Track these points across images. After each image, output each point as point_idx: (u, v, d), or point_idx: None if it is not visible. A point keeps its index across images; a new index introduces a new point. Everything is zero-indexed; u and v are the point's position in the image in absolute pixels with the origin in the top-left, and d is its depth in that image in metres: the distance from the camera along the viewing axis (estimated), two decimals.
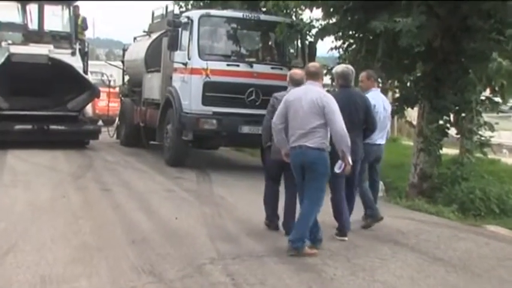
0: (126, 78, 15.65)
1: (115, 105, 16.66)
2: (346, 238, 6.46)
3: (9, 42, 13.44)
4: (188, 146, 11.41)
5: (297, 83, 6.37)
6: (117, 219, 7.00)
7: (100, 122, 16.69)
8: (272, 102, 6.60)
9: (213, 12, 11.37)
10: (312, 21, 10.58)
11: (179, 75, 11.16)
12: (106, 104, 16.48)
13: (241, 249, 5.92)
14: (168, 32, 11.30)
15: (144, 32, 14.68)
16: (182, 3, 14.59)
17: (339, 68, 6.89)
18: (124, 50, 16.04)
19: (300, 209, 5.96)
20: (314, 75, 5.97)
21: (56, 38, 14.01)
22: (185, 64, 10.84)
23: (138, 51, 13.98)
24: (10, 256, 5.26)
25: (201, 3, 14.43)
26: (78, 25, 14.96)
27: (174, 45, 11.01)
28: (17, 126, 12.35)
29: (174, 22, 11.06)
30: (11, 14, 14.33)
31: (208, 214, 7.44)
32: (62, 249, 5.56)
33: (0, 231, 6.05)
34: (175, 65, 11.24)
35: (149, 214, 7.30)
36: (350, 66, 6.99)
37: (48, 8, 14.07)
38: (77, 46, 13.92)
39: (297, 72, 6.69)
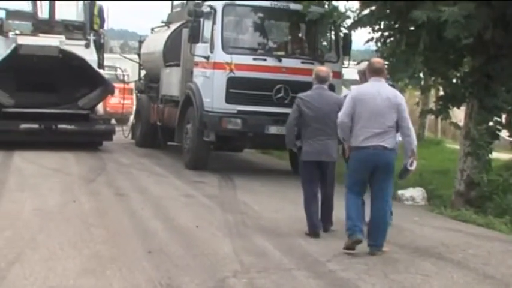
0: (143, 72, 15.76)
1: (129, 103, 16.81)
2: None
3: (17, 32, 13.37)
4: (210, 148, 11.46)
5: (322, 80, 6.96)
6: (132, 227, 7.04)
7: (113, 121, 16.72)
8: (297, 102, 6.98)
9: (238, 1, 11.37)
10: (346, 10, 10.51)
11: (201, 70, 11.20)
12: (119, 101, 16.59)
13: (267, 262, 5.90)
14: (189, 23, 11.37)
15: (163, 22, 14.79)
16: None
17: (361, 66, 7.22)
18: (140, 42, 16.19)
19: (374, 210, 6.30)
20: (379, 71, 6.33)
21: (69, 28, 13.94)
22: (207, 58, 10.88)
23: (155, 44, 14.08)
24: (16, 266, 5.32)
25: None
26: (94, 15, 14.90)
27: (195, 37, 11.05)
28: (23, 125, 12.34)
29: (196, 12, 11.10)
30: (20, 1, 14.40)
31: (232, 222, 7.44)
32: (72, 260, 5.61)
33: (6, 239, 6.13)
34: (197, 59, 11.28)
35: (167, 222, 7.33)
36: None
37: None
38: (91, 37, 13.82)
39: (323, 69, 7.24)
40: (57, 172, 10.38)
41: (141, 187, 9.54)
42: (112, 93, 14.04)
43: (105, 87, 13.37)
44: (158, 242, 6.42)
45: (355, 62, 10.11)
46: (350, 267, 5.83)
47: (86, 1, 14.18)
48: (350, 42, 11.42)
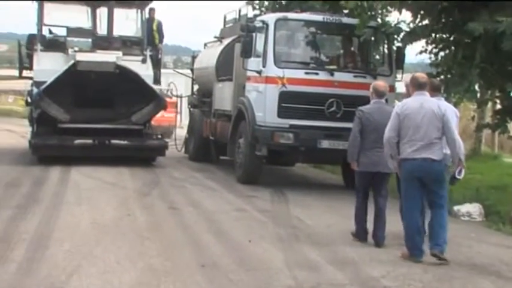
0: (195, 87, 15.96)
1: (171, 116, 16.90)
2: None
3: (76, 49, 13.70)
4: (262, 162, 11.49)
5: (381, 95, 7.36)
6: (185, 240, 7.14)
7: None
8: (358, 115, 7.26)
9: (290, 15, 11.44)
10: (399, 23, 10.41)
11: (253, 84, 11.29)
12: (162, 114, 16.60)
13: (321, 277, 5.89)
14: (241, 38, 11.45)
15: (215, 37, 14.94)
16: (257, 6, 14.75)
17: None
18: (193, 57, 16.42)
19: (434, 219, 6.56)
20: (423, 86, 6.63)
21: (127, 44, 14.13)
22: (259, 72, 10.95)
23: (208, 59, 14.25)
24: (74, 278, 5.47)
25: (277, 5, 14.55)
26: (154, 30, 15.15)
27: (247, 51, 11.14)
28: (77, 141, 12.51)
29: (248, 27, 11.20)
30: (80, 18, 14.65)
31: (284, 237, 7.45)
32: (128, 273, 5.73)
33: (65, 251, 6.30)
34: (249, 73, 11.38)
35: (220, 236, 7.39)
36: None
37: (121, 12, 14.18)
38: (148, 53, 13.95)
39: (381, 84, 7.58)
40: (113, 186, 10.60)
41: (194, 201, 9.65)
42: (164, 108, 14.01)
43: (157, 103, 13.42)
44: (211, 255, 6.49)
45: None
46: (405, 284, 5.76)
47: (143, 18, 14.41)
48: (403, 55, 11.32)
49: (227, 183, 11.56)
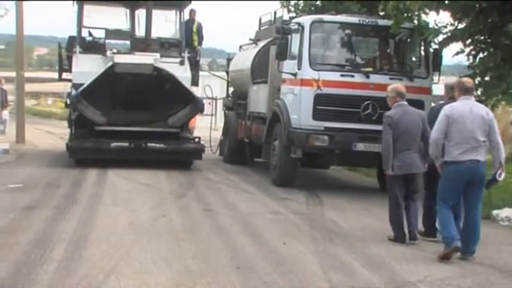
0: (230, 90, 16.04)
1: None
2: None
3: (114, 51, 13.73)
4: (297, 165, 11.48)
5: (403, 96, 7.56)
6: (220, 242, 7.18)
7: None
8: (388, 121, 7.40)
9: (326, 17, 11.42)
10: (439, 27, 10.26)
11: (288, 86, 11.30)
12: None
13: (356, 280, 5.87)
14: (277, 40, 11.47)
15: (251, 40, 14.99)
16: (292, 8, 14.74)
17: (449, 81, 7.92)
18: (228, 60, 16.48)
19: (468, 218, 6.77)
20: (470, 90, 6.91)
21: (165, 46, 14.11)
22: (295, 75, 10.95)
23: (243, 61, 14.30)
24: (112, 279, 5.55)
25: (312, 8, 14.52)
26: (193, 32, 15.10)
27: (282, 54, 11.14)
28: (113, 144, 12.59)
29: (283, 29, 11.21)
30: (119, 20, 14.71)
31: (319, 240, 7.44)
32: (164, 274, 5.78)
33: (103, 252, 6.40)
34: (284, 76, 11.39)
35: (254, 238, 7.42)
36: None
37: (160, 14, 14.16)
38: (186, 54, 13.89)
39: (401, 86, 7.88)
40: (149, 187, 10.72)
41: (229, 203, 9.69)
42: (202, 111, 13.89)
43: (195, 105, 13.33)
44: (246, 258, 6.51)
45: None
46: None
47: (182, 19, 14.37)
48: (440, 57, 11.19)
49: (262, 186, 11.58)
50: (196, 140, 13.48)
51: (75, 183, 10.73)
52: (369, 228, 8.15)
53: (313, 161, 11.93)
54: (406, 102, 7.60)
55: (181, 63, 13.65)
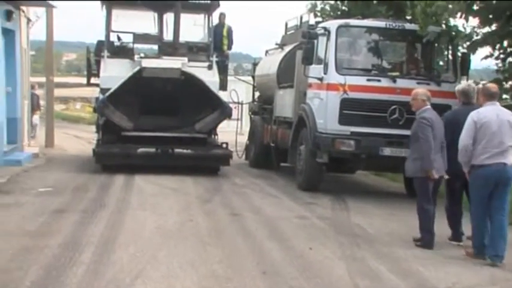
0: (256, 94, 16.06)
1: None
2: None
3: (142, 55, 13.58)
4: (322, 169, 11.45)
5: (493, 96, 7.19)
6: (246, 247, 7.19)
7: None
8: (428, 123, 7.41)
9: (352, 22, 11.37)
10: (470, 32, 10.14)
11: (314, 91, 11.28)
12: None
13: (382, 287, 5.85)
14: (303, 45, 11.46)
15: (277, 44, 15.00)
16: (318, 13, 14.70)
17: (460, 86, 8.06)
18: (254, 65, 16.52)
19: (496, 221, 6.81)
20: (495, 96, 7.04)
21: (193, 50, 13.91)
22: (321, 79, 10.93)
23: (269, 66, 14.32)
24: (139, 282, 5.60)
25: (339, 12, 14.48)
26: (224, 36, 14.82)
27: (308, 58, 11.13)
28: (140, 149, 12.45)
29: (310, 33, 11.20)
30: (147, 24, 14.47)
31: (346, 245, 7.41)
32: (190, 278, 5.82)
33: (130, 255, 6.46)
34: (310, 80, 11.37)
35: (281, 242, 7.41)
36: (472, 84, 8.10)
37: (189, 18, 14.00)
38: (214, 59, 13.68)
39: (426, 91, 7.87)
40: (176, 192, 10.78)
41: (255, 207, 9.70)
42: (229, 116, 13.64)
43: (222, 110, 13.07)
44: (272, 262, 6.52)
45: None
46: None
47: (211, 24, 14.17)
48: (469, 61, 11.07)
49: (288, 190, 11.57)
50: (224, 145, 13.32)
51: (103, 188, 10.84)
52: (396, 234, 8.10)
53: (339, 166, 11.86)
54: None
55: (210, 67, 13.49)
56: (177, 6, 12.94)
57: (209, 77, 13.16)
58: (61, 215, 8.42)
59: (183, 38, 13.51)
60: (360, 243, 7.57)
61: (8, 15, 13.73)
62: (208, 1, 14.01)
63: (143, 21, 14.62)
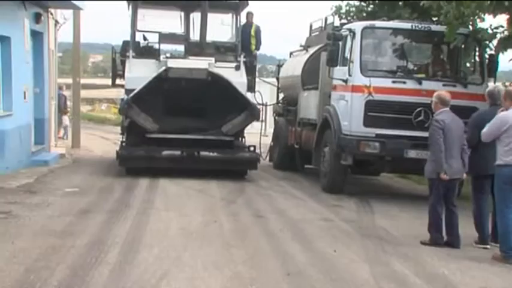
0: (280, 96, 16.04)
1: None
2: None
3: (168, 55, 13.29)
4: (347, 171, 11.39)
5: (447, 104, 7.62)
6: (270, 249, 7.17)
7: None
8: (440, 125, 7.51)
9: (377, 23, 11.30)
10: (496, 30, 10.01)
11: (338, 93, 11.23)
12: None
13: None
14: (327, 46, 11.43)
15: (301, 46, 14.97)
16: (343, 15, 14.64)
17: (487, 88, 8.21)
18: (279, 66, 16.50)
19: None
20: None
21: (220, 50, 13.58)
22: (345, 81, 10.88)
23: (294, 67, 14.29)
24: (163, 283, 5.61)
25: (364, 14, 14.41)
26: (251, 35, 14.42)
27: (333, 60, 11.09)
28: (165, 152, 12.11)
29: (334, 35, 11.15)
30: (173, 24, 14.14)
31: (371, 248, 7.36)
32: (214, 279, 5.81)
33: (155, 256, 6.48)
34: (335, 82, 11.33)
35: (305, 245, 7.39)
36: (500, 86, 8.08)
37: (216, 17, 13.63)
38: (242, 59, 13.31)
39: (446, 93, 7.87)
40: (200, 193, 10.79)
41: (279, 209, 9.68)
42: (257, 118, 13.28)
43: (250, 112, 12.66)
44: (297, 264, 6.49)
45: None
46: None
47: (238, 23, 13.83)
48: (496, 63, 10.93)
49: (312, 192, 11.53)
50: (252, 148, 12.95)
51: (128, 188, 10.90)
52: (422, 237, 7.99)
53: (364, 168, 11.80)
54: (449, 109, 7.71)
55: (237, 68, 13.15)
56: (204, 5, 12.48)
57: (237, 77, 12.82)
58: (87, 215, 8.48)
59: (210, 38, 13.07)
60: (385, 246, 7.51)
61: (37, 17, 13.90)
62: (237, 0, 13.60)
63: (170, 20, 14.33)
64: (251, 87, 13.61)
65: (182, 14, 14.15)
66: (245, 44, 14.06)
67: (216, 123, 12.69)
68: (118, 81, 14.52)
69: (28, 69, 13.62)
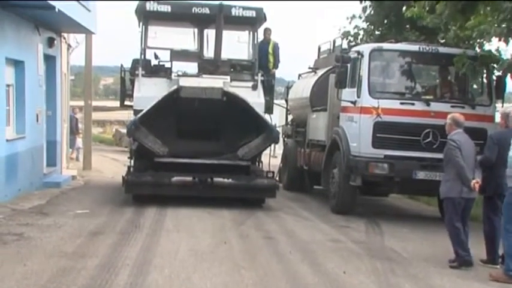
0: (289, 117, 16.05)
1: None
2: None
3: (179, 73, 12.23)
4: (356, 192, 11.34)
5: (461, 125, 7.73)
6: (280, 270, 7.12)
7: None
8: (457, 145, 7.51)
9: (385, 45, 11.33)
10: (502, 56, 10.02)
11: (347, 114, 11.22)
12: None
13: None
14: (336, 68, 11.44)
15: (310, 68, 15.00)
16: (352, 38, 14.71)
17: (506, 110, 8.09)
18: (287, 88, 16.53)
19: None
20: None
21: (236, 68, 12.65)
22: (354, 103, 10.88)
23: (302, 89, 14.31)
24: None
25: (371, 37, 14.47)
26: (269, 53, 13.62)
27: (342, 82, 11.11)
28: (175, 178, 11.16)
29: (343, 57, 11.17)
30: (186, 40, 13.16)
31: (380, 270, 7.29)
32: None
33: (165, 277, 6.45)
34: (343, 104, 11.33)
35: (314, 266, 7.34)
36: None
37: (232, 34, 12.74)
38: (259, 78, 12.33)
39: (460, 115, 7.94)
40: (210, 214, 10.74)
41: (289, 230, 9.63)
42: (276, 141, 12.40)
43: (268, 135, 11.60)
44: (306, 286, 6.45)
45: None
46: None
47: (256, 40, 12.83)
48: (504, 85, 10.90)
49: (321, 213, 11.47)
50: (270, 174, 11.96)
51: (137, 210, 10.88)
52: (431, 258, 7.95)
53: (372, 189, 11.74)
54: (462, 131, 7.74)
55: (254, 87, 12.15)
56: (219, 19, 11.47)
57: (254, 98, 11.83)
58: (98, 236, 8.47)
59: (225, 55, 12.07)
60: (395, 267, 7.44)
61: (50, 42, 14.05)
62: (254, 14, 12.39)
63: (182, 37, 13.24)
64: (269, 108, 12.63)
65: (195, 30, 13.12)
66: (263, 62, 13.18)
67: (231, 147, 11.73)
68: (127, 102, 13.46)
69: (41, 92, 13.74)
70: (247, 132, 11.70)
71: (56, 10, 11.28)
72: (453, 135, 7.65)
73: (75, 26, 14.11)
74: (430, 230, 10.21)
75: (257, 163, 12.43)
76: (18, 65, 12.22)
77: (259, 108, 11.72)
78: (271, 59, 13.71)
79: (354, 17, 15.48)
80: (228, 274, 6.74)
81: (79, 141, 20.62)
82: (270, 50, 13.69)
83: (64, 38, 15.86)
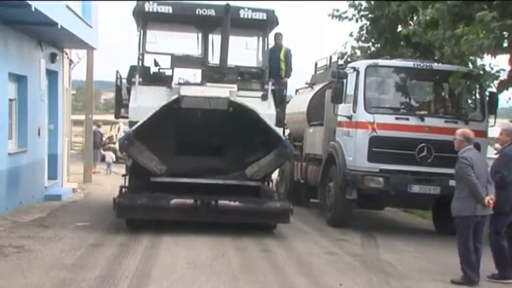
0: (286, 132, 16.06)
1: None
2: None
3: (181, 81, 10.79)
4: (352, 206, 11.35)
5: (472, 141, 7.52)
6: (277, 282, 7.11)
7: None
8: (469, 162, 7.29)
9: (381, 62, 11.40)
10: (497, 72, 10.07)
11: (343, 129, 11.26)
12: None
13: None
14: (332, 84, 11.48)
15: (306, 83, 15.06)
16: (349, 58, 14.78)
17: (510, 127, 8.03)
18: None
19: None
20: None
21: (244, 76, 11.13)
22: (350, 117, 10.92)
23: (300, 104, 14.36)
24: None
25: (368, 51, 14.55)
26: (281, 60, 12.19)
27: (338, 97, 11.13)
28: (174, 201, 9.58)
29: (339, 73, 11.22)
30: (188, 45, 11.65)
31: (375, 282, 7.28)
32: None
33: None
34: (339, 119, 11.36)
35: (311, 278, 7.32)
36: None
37: (239, 40, 11.38)
38: (270, 87, 10.88)
39: (470, 131, 7.72)
40: (208, 228, 10.65)
41: (285, 243, 9.62)
42: (289, 158, 10.96)
43: (280, 151, 10.07)
44: None
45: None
46: None
47: (266, 46, 11.36)
48: (497, 100, 10.98)
49: (318, 226, 11.46)
50: (282, 196, 10.80)
51: (137, 223, 10.83)
52: (426, 271, 7.94)
53: (368, 202, 11.74)
54: (473, 146, 7.60)
55: (264, 97, 10.69)
56: (225, 22, 9.97)
57: (264, 109, 10.36)
58: (97, 249, 8.45)
59: (232, 62, 10.56)
60: (390, 280, 7.43)
61: (52, 57, 14.10)
62: (264, 17, 10.85)
63: (185, 41, 11.73)
64: (280, 121, 11.07)
65: (199, 34, 11.47)
66: (273, 70, 11.68)
67: (238, 165, 10.24)
68: (124, 113, 11.57)
69: (43, 106, 13.76)
70: (256, 147, 10.29)
71: (59, 26, 11.33)
72: (464, 152, 7.42)
73: (77, 42, 14.17)
74: (424, 243, 10.21)
75: (267, 182, 10.92)
76: (21, 80, 12.26)
77: (270, 120, 10.20)
78: (282, 66, 12.20)
79: (347, 42, 15.64)
80: (226, 286, 6.73)
81: (110, 157, 20.42)
82: (282, 56, 12.23)
83: (66, 54, 15.92)
